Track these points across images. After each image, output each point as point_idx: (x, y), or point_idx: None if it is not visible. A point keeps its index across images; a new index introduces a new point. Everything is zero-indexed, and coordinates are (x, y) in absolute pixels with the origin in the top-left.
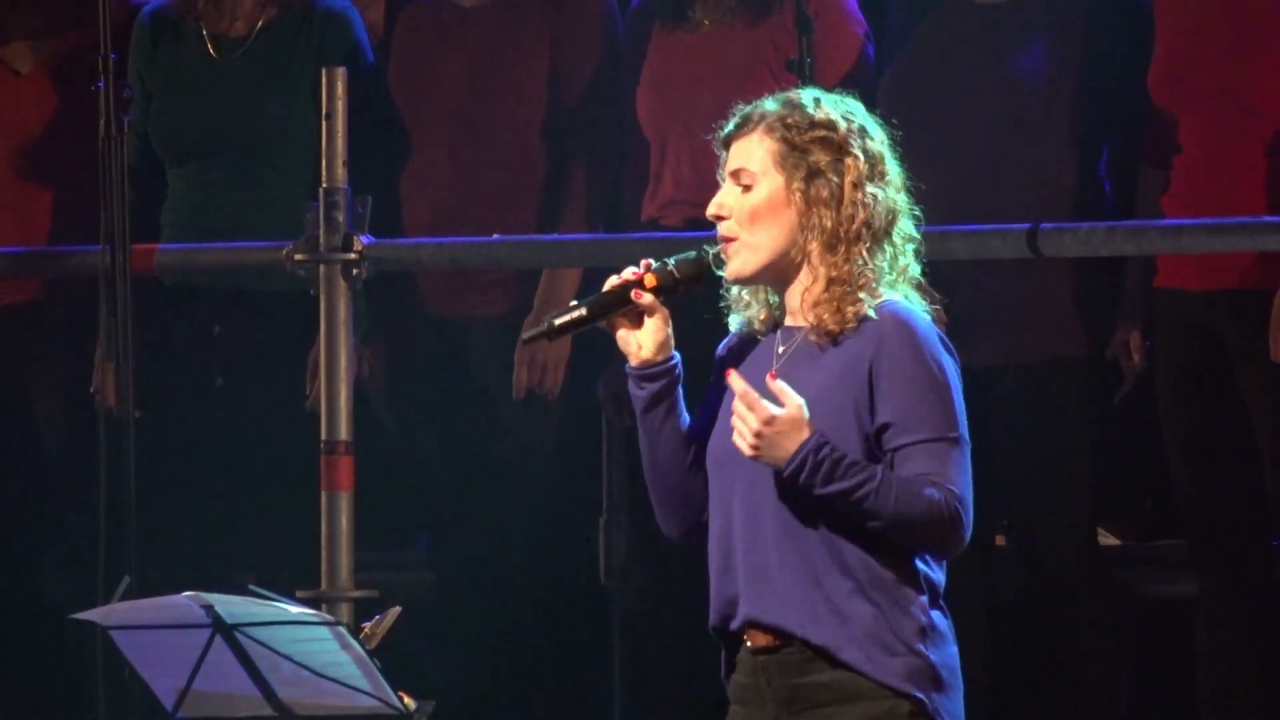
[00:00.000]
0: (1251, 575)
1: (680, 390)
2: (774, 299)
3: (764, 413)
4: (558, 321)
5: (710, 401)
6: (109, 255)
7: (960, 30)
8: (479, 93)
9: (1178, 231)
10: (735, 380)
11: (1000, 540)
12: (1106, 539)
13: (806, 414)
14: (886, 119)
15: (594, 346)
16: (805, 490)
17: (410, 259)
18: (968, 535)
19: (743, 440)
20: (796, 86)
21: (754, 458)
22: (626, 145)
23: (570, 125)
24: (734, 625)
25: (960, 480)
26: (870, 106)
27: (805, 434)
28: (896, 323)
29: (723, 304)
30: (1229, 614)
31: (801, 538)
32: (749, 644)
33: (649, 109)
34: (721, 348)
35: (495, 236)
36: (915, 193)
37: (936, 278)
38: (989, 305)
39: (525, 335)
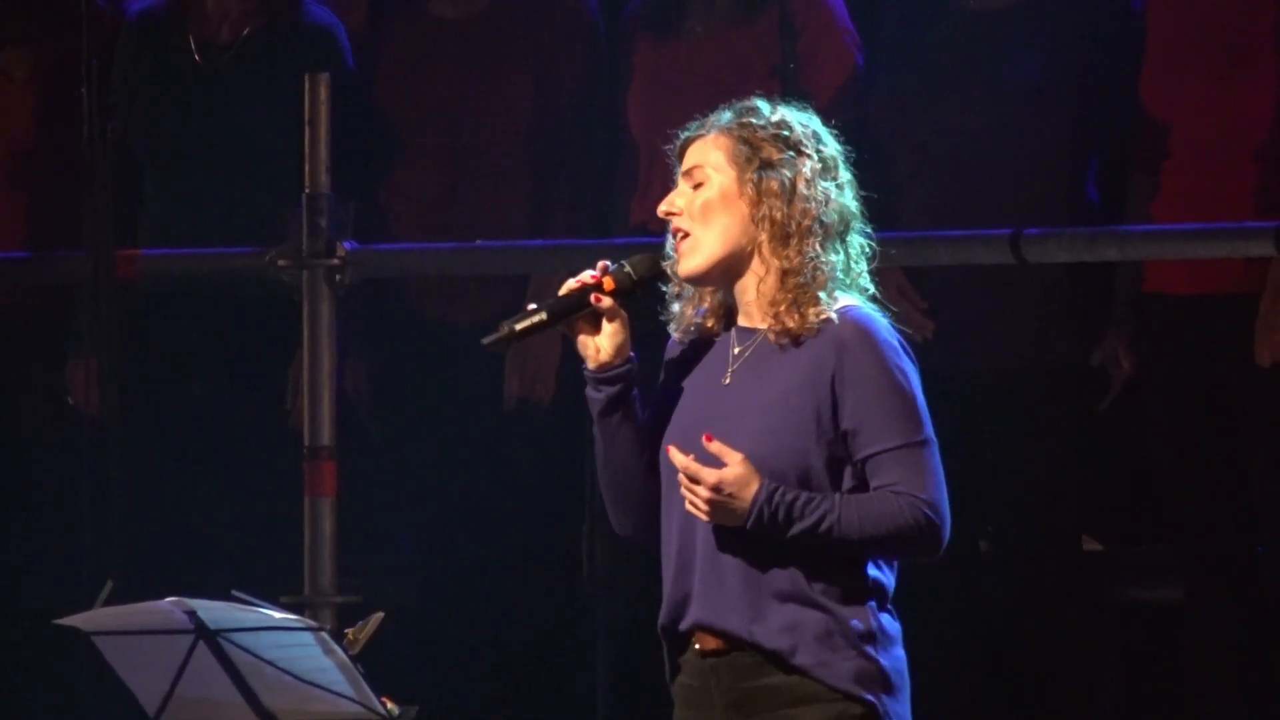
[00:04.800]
0: (1238, 581)
1: (636, 392)
2: (723, 299)
3: (710, 480)
4: (518, 326)
5: (661, 403)
6: (91, 261)
7: (953, 37)
8: (464, 104)
9: (1161, 237)
10: (675, 455)
11: (984, 545)
12: (1090, 545)
13: (750, 468)
14: (878, 125)
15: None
16: (770, 536)
17: (394, 265)
18: (946, 535)
19: (696, 509)
20: (781, 91)
21: (711, 521)
22: (617, 150)
23: (555, 133)
24: (683, 626)
25: (930, 484)
26: (863, 114)
27: (755, 486)
28: (857, 328)
29: (662, 316)
30: (1216, 620)
31: (753, 543)
32: (697, 647)
33: (639, 114)
34: (671, 349)
35: (479, 242)
36: (904, 196)
37: (922, 282)
38: (975, 311)
39: (486, 340)
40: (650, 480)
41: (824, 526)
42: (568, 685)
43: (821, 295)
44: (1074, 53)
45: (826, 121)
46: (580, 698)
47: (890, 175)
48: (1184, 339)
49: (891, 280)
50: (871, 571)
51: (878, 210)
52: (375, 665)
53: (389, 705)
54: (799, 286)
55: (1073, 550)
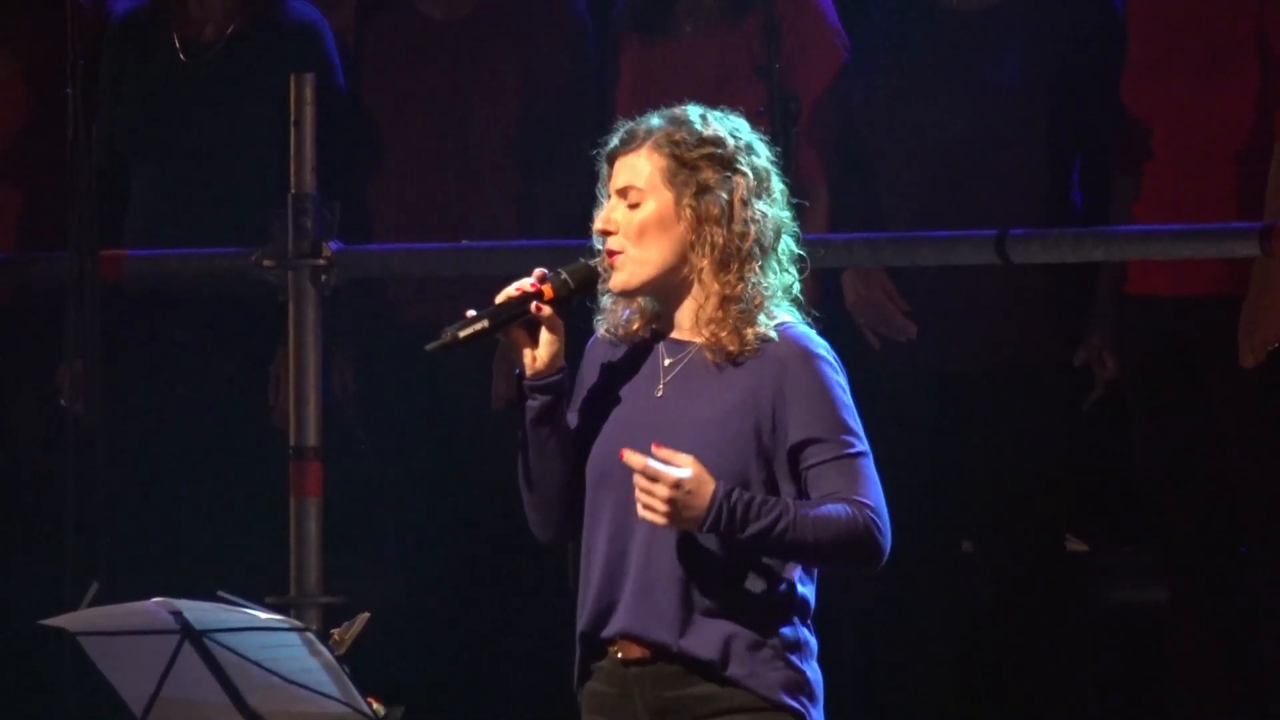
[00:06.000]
0: (1222, 582)
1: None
2: (654, 307)
3: (670, 478)
4: (461, 334)
5: (587, 409)
6: (76, 261)
7: (934, 38)
8: (451, 104)
9: (1146, 238)
10: (631, 457)
11: (968, 547)
12: (1074, 545)
13: (702, 468)
14: (863, 125)
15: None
16: (726, 538)
17: (379, 265)
18: (888, 543)
19: (653, 512)
20: (766, 92)
21: (669, 524)
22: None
23: (543, 134)
24: (606, 634)
25: (872, 491)
26: (848, 114)
27: (712, 485)
28: (797, 348)
29: (598, 317)
30: (1199, 620)
31: (686, 558)
32: (619, 655)
33: (629, 114)
34: (594, 350)
35: (464, 243)
36: (889, 197)
37: (906, 282)
38: (960, 312)
39: (429, 346)
40: (573, 488)
41: (780, 527)
42: (553, 686)
43: (760, 317)
44: (1056, 53)
45: (816, 119)
46: (567, 698)
47: (875, 176)
48: (1166, 340)
49: (876, 281)
50: (799, 588)
51: (863, 211)
52: (361, 666)
53: (375, 705)
54: (740, 312)
55: (1056, 551)
